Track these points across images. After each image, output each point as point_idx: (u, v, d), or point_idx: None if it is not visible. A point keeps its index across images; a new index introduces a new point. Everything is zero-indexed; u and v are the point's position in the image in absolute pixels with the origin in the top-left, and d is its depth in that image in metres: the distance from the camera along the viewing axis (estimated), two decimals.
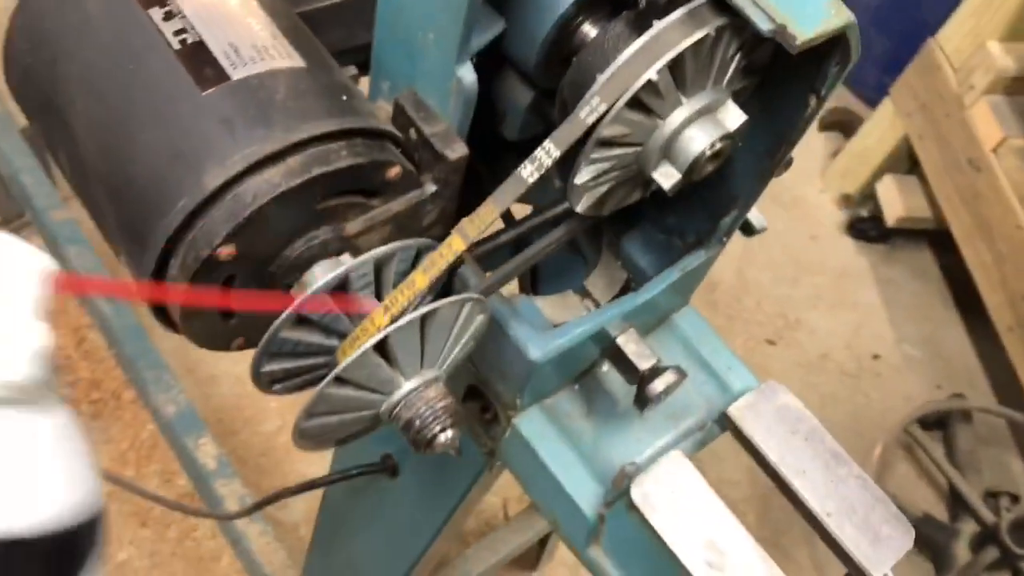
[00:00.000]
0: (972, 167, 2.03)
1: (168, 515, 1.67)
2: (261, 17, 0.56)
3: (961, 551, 1.81)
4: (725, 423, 0.72)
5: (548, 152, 0.51)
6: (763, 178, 0.64)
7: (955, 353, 2.25)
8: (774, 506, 1.85)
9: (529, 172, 0.51)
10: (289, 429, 1.87)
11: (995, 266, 2.00)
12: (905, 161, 2.35)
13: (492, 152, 0.70)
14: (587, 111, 0.52)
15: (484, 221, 0.52)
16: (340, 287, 0.52)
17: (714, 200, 0.68)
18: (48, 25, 0.54)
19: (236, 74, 0.52)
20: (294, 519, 1.72)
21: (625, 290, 0.76)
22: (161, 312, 0.54)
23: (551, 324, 0.70)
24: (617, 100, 0.51)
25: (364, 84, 0.66)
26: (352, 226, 0.56)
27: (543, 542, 1.59)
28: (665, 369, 0.66)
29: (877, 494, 0.69)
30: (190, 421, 1.30)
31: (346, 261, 0.56)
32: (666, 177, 0.56)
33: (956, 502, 1.92)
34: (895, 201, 2.31)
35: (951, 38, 2.09)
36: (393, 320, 0.51)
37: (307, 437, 0.53)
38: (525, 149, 0.69)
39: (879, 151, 2.34)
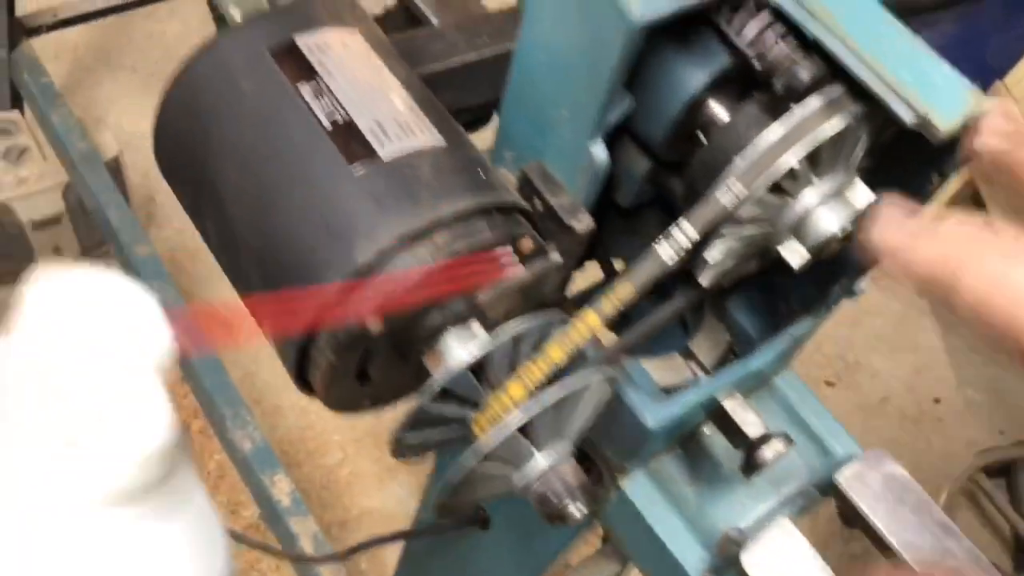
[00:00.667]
0: None
1: (233, 546, 1.69)
2: (400, 91, 0.58)
3: None
4: (829, 490, 0.72)
5: (686, 233, 0.52)
6: None
7: (1019, 398, 2.21)
8: None
9: (669, 255, 0.52)
10: (351, 462, 1.87)
11: None
12: (970, 204, 2.33)
13: (597, 211, 0.71)
14: (724, 192, 0.53)
15: (621, 299, 0.53)
16: (479, 362, 0.53)
17: (823, 268, 0.68)
18: (203, 99, 0.56)
19: (383, 152, 0.53)
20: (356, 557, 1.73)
21: (727, 351, 0.76)
22: (301, 378, 0.56)
23: (659, 388, 0.70)
24: (756, 183, 0.52)
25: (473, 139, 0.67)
26: (484, 296, 0.57)
27: None
28: (773, 437, 0.67)
29: (986, 567, 0.68)
30: (265, 457, 1.32)
31: (477, 330, 0.57)
32: (794, 254, 0.57)
33: (1021, 551, 1.88)
34: None
35: (1020, 81, 2.07)
36: (530, 393, 0.52)
37: (446, 511, 0.54)
38: (633, 211, 0.70)
39: (943, 192, 2.32)
